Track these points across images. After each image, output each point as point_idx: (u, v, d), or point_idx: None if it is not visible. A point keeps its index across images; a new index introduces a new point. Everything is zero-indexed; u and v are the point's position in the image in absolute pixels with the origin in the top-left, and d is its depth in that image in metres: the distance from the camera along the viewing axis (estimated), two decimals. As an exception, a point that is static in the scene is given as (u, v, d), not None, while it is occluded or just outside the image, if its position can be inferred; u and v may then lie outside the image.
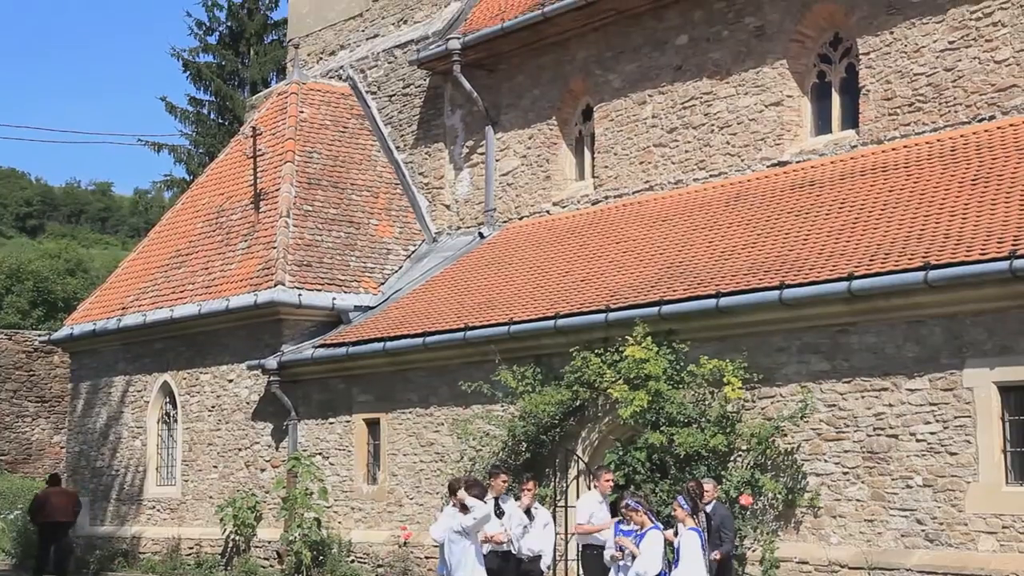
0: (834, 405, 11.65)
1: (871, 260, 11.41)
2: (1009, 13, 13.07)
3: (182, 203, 21.57)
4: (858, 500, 11.38)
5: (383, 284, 18.45)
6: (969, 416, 10.68)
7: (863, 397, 11.43)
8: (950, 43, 13.56)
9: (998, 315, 10.57)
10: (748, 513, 12.01)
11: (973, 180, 12.08)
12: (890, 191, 12.82)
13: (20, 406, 26.56)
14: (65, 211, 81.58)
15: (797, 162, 14.99)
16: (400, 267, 18.88)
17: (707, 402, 12.55)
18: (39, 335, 26.30)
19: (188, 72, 35.60)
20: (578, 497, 12.75)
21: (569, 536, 12.66)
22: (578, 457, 13.77)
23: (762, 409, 12.22)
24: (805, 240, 12.74)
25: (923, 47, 13.80)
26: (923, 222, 11.72)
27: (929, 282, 10.69)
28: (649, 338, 12.79)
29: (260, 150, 19.19)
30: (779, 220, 13.64)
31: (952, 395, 10.81)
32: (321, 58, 22.32)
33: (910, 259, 11.02)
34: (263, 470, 17.95)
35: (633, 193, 16.85)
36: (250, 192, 19.37)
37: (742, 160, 15.58)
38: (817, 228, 12.86)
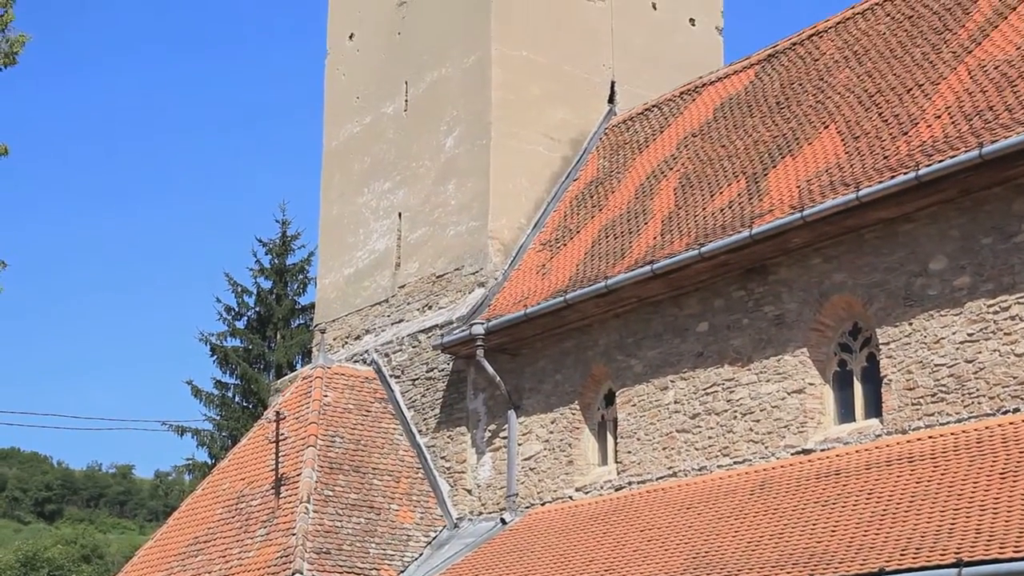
0: None
1: (902, 554, 11.16)
2: (1026, 307, 13.24)
3: (202, 488, 21.44)
4: None
5: (403, 572, 18.08)
6: None
7: None
8: (969, 335, 13.67)
9: (1037, 614, 10.22)
10: None
11: (1002, 474, 11.93)
12: (917, 483, 12.66)
13: None
14: (85, 495, 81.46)
15: (821, 450, 14.89)
16: (420, 554, 18.55)
17: None
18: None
19: (215, 356, 36.16)
20: None
21: None
22: None
23: None
24: (833, 532, 12.49)
25: (943, 338, 13.91)
26: (953, 516, 11.51)
27: (963, 579, 10.40)
28: (676, 634, 12.39)
29: (283, 434, 19.22)
30: (806, 510, 13.43)
31: None
32: (346, 342, 22.65)
33: (942, 555, 10.77)
34: None
35: (657, 479, 16.70)
36: (271, 477, 19.28)
37: (766, 447, 15.50)
38: (845, 519, 12.65)
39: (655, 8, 22.63)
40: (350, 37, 23.96)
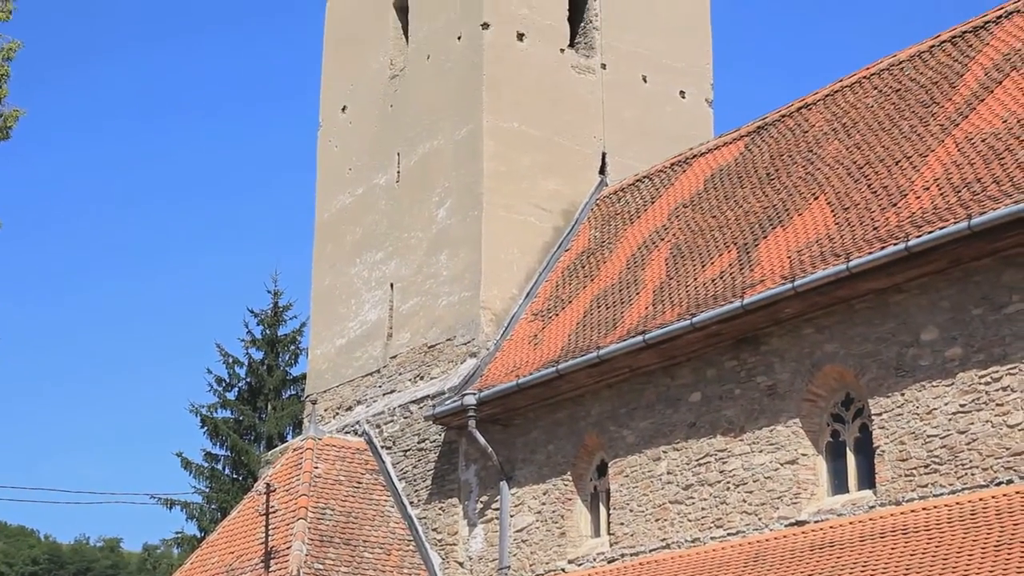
0: None
1: (898, 628, 11.07)
2: (1017, 379, 13.24)
3: (191, 563, 21.22)
4: None
5: (394, 646, 17.86)
6: None
7: None
8: (961, 406, 13.68)
9: None
10: None
11: (996, 546, 11.88)
12: (912, 555, 12.60)
13: None
14: (72, 569, 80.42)
15: (815, 522, 14.81)
16: (412, 628, 18.35)
17: None
18: None
19: (205, 428, 35.94)
20: None
21: None
22: None
23: None
24: (828, 605, 12.40)
25: (935, 409, 13.91)
26: (948, 589, 11.46)
27: (959, 653, 10.30)
28: None
29: (273, 507, 19.08)
30: (800, 583, 13.33)
31: None
32: (338, 413, 22.56)
33: (938, 628, 10.69)
34: None
35: (650, 551, 16.58)
36: (261, 550, 19.10)
37: (759, 519, 15.42)
38: (840, 592, 12.56)
39: (645, 81, 22.86)
40: (343, 109, 24.15)
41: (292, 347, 37.24)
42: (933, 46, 17.46)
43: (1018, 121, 14.61)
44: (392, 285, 22.14)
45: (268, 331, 37.19)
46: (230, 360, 36.90)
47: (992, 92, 15.49)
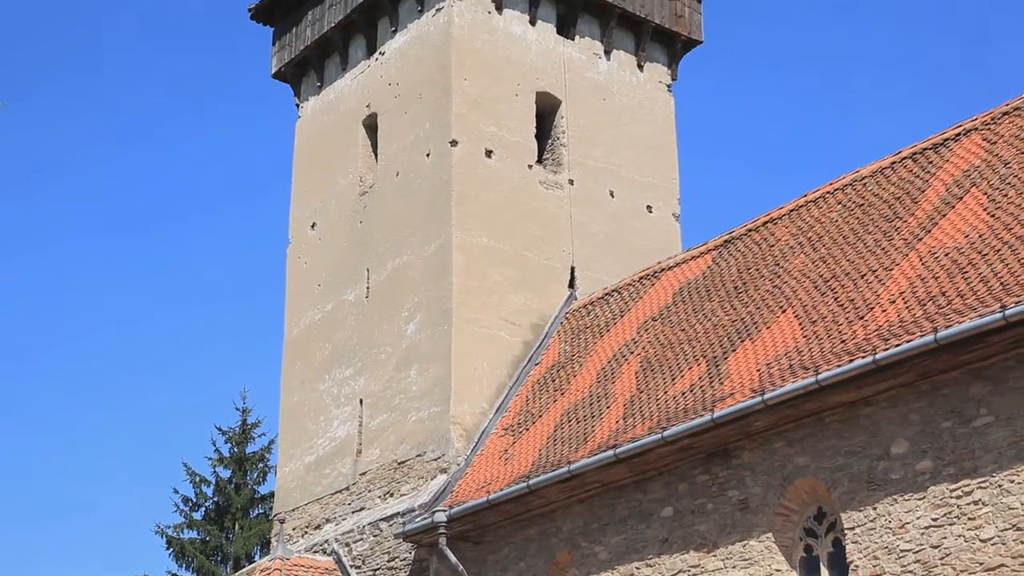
0: None
1: None
2: (988, 492, 13.24)
3: None
4: None
5: None
6: None
7: None
8: (933, 519, 13.63)
9: None
10: None
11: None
12: (889, 672, 12.43)
13: None
14: None
15: (791, 639, 14.64)
16: None
17: None
18: None
19: (171, 549, 35.30)
20: None
21: None
22: None
23: None
24: None
25: (907, 523, 13.85)
26: None
27: None
28: None
29: (240, 629, 18.70)
30: None
31: None
32: (306, 532, 22.25)
33: None
34: None
35: (624, 672, 16.29)
36: (227, 674, 18.69)
37: (735, 637, 15.20)
38: None
39: (613, 196, 23.11)
40: (312, 226, 24.25)
41: (260, 465, 36.80)
42: (895, 162, 17.77)
43: (980, 236, 14.84)
44: (361, 401, 22.02)
45: (236, 449, 36.77)
46: (197, 479, 36.39)
47: (953, 207, 15.75)
